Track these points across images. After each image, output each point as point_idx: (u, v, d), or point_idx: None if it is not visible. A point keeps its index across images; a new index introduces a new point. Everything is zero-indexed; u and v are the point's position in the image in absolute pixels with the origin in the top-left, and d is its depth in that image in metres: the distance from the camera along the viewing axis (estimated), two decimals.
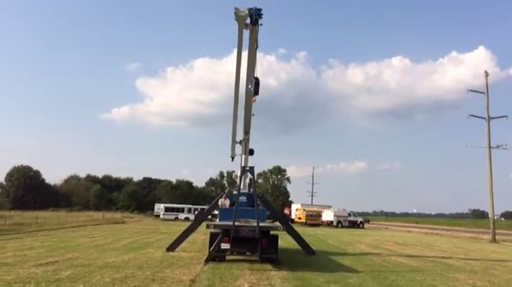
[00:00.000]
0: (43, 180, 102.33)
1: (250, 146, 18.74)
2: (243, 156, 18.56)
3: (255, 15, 13.54)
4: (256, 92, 13.95)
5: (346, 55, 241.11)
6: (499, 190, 56.90)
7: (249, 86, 14.24)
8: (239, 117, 18.21)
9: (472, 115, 36.51)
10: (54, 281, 9.96)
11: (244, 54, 15.40)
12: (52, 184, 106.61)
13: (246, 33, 14.59)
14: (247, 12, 13.57)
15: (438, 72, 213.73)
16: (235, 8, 13.85)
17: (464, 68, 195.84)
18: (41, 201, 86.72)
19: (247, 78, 15.29)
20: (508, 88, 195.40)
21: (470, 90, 37.62)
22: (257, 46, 14.06)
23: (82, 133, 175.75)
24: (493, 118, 35.79)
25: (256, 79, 13.92)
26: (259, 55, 15.23)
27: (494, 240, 33.47)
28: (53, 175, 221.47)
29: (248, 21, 13.73)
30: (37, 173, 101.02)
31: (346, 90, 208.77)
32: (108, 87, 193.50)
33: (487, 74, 36.86)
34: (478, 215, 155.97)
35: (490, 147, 35.31)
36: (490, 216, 36.62)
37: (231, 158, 20.57)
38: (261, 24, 13.83)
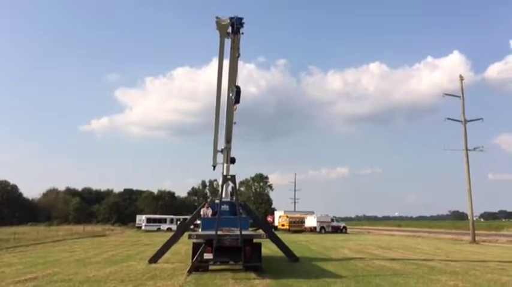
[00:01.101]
0: (21, 194, 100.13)
1: (232, 155, 18.71)
2: (225, 165, 18.50)
3: (237, 24, 13.59)
4: (237, 101, 13.98)
5: (325, 62, 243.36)
6: (478, 191, 58.23)
7: (230, 95, 14.26)
8: (220, 125, 18.21)
9: (448, 118, 37.21)
10: None
11: (225, 63, 15.44)
12: (30, 198, 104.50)
13: (227, 42, 14.64)
14: (228, 21, 13.61)
15: (415, 77, 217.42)
16: (217, 17, 13.87)
17: (440, 73, 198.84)
18: (18, 216, 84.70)
19: (228, 87, 15.29)
20: (483, 91, 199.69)
21: (446, 94, 38.40)
22: (239, 55, 14.12)
23: (61, 145, 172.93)
24: (469, 121, 36.52)
25: (238, 87, 13.95)
26: (239, 63, 15.31)
27: (474, 241, 34.02)
28: (31, 189, 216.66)
29: (229, 30, 13.76)
30: (14, 188, 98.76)
31: (326, 96, 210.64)
32: (86, 98, 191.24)
33: (461, 78, 37.66)
34: (458, 217, 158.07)
35: (467, 149, 35.99)
36: (469, 217, 37.24)
37: (212, 167, 20.47)
38: (242, 33, 13.89)
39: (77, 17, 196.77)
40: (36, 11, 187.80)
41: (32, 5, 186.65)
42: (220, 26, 13.97)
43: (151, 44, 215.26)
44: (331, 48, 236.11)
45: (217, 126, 18.36)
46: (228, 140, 17.92)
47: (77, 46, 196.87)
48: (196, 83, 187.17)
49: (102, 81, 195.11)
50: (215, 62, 15.75)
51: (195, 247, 14.46)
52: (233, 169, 18.64)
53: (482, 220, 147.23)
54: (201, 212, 18.29)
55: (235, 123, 17.26)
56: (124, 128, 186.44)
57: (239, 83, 14.38)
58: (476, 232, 36.12)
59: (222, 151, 18.66)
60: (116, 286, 11.32)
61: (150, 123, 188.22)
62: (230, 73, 14.78)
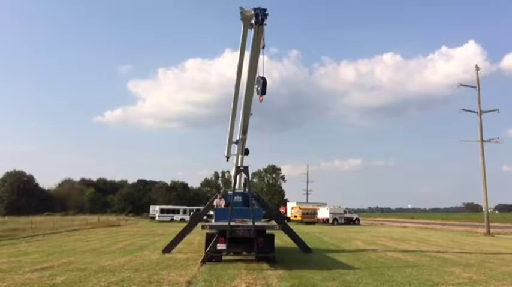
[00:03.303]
0: (37, 185, 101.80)
1: (246, 146, 18.70)
2: (239, 156, 18.50)
3: (262, 15, 13.48)
4: (263, 92, 13.91)
5: (338, 52, 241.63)
6: (492, 183, 57.40)
7: (256, 86, 14.18)
8: (236, 117, 18.19)
9: (463, 109, 36.81)
10: (50, 286, 9.90)
11: (247, 54, 15.28)
12: (46, 188, 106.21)
13: (249, 34, 14.51)
14: (252, 12, 13.52)
15: (429, 68, 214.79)
16: (241, 8, 13.77)
17: (455, 63, 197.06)
18: (35, 206, 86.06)
19: (248, 78, 15.22)
20: (498, 82, 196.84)
21: (462, 85, 37.91)
22: (264, 46, 13.96)
23: (75, 137, 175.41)
24: (484, 112, 36.04)
25: (264, 79, 13.88)
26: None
27: (488, 233, 33.70)
28: (47, 180, 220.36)
29: (253, 21, 13.67)
30: (31, 178, 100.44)
31: (339, 87, 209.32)
32: (100, 90, 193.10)
33: (477, 68, 37.10)
34: (472, 209, 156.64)
35: (482, 141, 35.53)
36: (484, 209, 36.85)
37: (226, 158, 20.49)
38: (265, 24, 13.77)
39: (91, 9, 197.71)
40: (51, 3, 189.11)
41: None
42: (244, 16, 13.87)
43: (163, 36, 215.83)
44: (344, 39, 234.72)
45: (234, 117, 18.35)
46: (245, 131, 17.83)
47: (89, 38, 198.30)
48: (209, 74, 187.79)
49: (115, 73, 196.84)
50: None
51: (208, 238, 14.55)
52: (246, 160, 18.70)
53: (497, 212, 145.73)
54: (214, 203, 18.37)
55: (251, 114, 17.22)
56: (137, 119, 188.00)
57: (264, 74, 14.26)
58: (491, 224, 35.78)
59: (236, 142, 18.64)
60: (130, 275, 11.44)
61: (163, 115, 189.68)
62: (253, 64, 14.67)
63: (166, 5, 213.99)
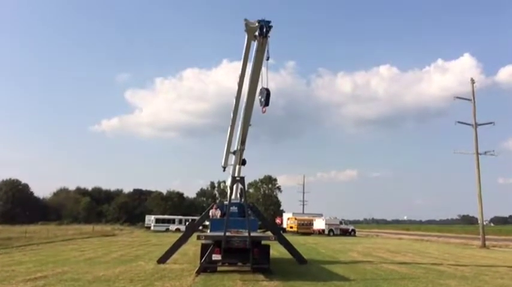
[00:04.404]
0: (32, 193, 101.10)
1: (243, 157, 18.72)
2: (237, 166, 18.51)
3: (266, 27, 13.64)
4: (267, 103, 14.01)
5: (335, 64, 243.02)
6: (488, 196, 57.64)
7: (260, 97, 14.28)
8: (235, 127, 18.25)
9: (459, 122, 36.95)
10: None
11: (249, 66, 15.39)
12: (41, 197, 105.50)
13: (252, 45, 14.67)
14: (257, 24, 13.69)
15: (425, 80, 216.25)
16: (246, 20, 13.98)
17: (450, 76, 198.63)
18: (30, 215, 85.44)
19: (249, 89, 15.32)
20: (494, 95, 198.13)
21: (457, 97, 38.11)
22: (268, 57, 14.09)
23: (71, 145, 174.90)
24: (480, 125, 36.21)
25: (267, 90, 13.98)
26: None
27: (484, 246, 33.69)
28: (42, 188, 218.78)
29: (257, 33, 13.83)
30: (26, 187, 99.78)
31: (336, 99, 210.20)
32: (97, 98, 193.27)
33: (473, 81, 37.36)
34: (468, 221, 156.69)
35: (477, 153, 35.66)
36: (479, 222, 36.87)
37: (222, 168, 20.51)
38: (269, 37, 13.93)
39: (88, 18, 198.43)
40: (49, 11, 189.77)
41: (44, 5, 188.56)
42: (249, 28, 14.06)
43: (161, 45, 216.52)
44: (341, 51, 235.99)
45: (233, 127, 18.41)
46: (243, 142, 17.88)
47: (87, 47, 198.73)
48: (206, 84, 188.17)
49: (112, 82, 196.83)
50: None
51: (204, 248, 14.52)
52: (243, 171, 18.71)
53: (492, 224, 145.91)
54: (210, 213, 18.36)
55: (250, 125, 17.29)
56: (134, 128, 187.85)
57: (267, 85, 14.36)
58: (486, 236, 35.74)
59: (234, 152, 18.67)
60: (125, 285, 11.39)
61: (159, 124, 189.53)
62: (255, 75, 14.79)
63: (164, 15, 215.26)
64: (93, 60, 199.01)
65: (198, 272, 13.74)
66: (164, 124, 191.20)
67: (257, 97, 14.61)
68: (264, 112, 14.22)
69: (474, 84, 37.22)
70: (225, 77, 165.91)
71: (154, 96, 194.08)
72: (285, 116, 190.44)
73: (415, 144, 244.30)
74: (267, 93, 13.91)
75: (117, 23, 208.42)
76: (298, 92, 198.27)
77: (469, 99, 36.97)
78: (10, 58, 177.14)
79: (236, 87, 16.95)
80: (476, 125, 36.00)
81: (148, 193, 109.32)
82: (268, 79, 14.21)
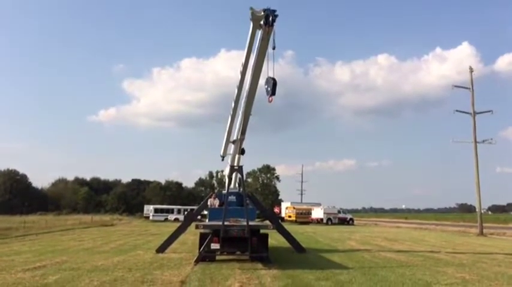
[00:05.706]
0: (30, 184, 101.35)
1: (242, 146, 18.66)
2: (236, 156, 18.45)
3: (272, 16, 13.52)
4: (273, 92, 13.92)
5: (333, 53, 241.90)
6: (486, 184, 57.79)
7: (266, 86, 14.18)
8: (236, 116, 18.17)
9: (457, 110, 36.91)
10: (42, 286, 9.88)
11: (253, 55, 15.29)
12: (39, 187, 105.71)
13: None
14: (263, 13, 13.57)
15: (423, 69, 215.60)
16: (251, 8, 13.89)
17: (449, 65, 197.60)
18: (28, 205, 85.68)
19: (252, 78, 15.23)
20: (492, 83, 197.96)
21: (456, 86, 38.10)
22: (274, 47, 13.95)
23: (69, 136, 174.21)
24: (478, 113, 36.22)
25: (274, 79, 13.89)
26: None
27: (481, 233, 33.90)
28: (41, 179, 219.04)
29: (262, 22, 13.71)
30: (24, 177, 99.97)
31: (334, 88, 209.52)
32: (94, 89, 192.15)
33: (471, 70, 37.28)
34: (465, 209, 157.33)
35: (475, 142, 35.73)
36: (477, 210, 37.06)
37: (221, 158, 20.44)
38: (275, 25, 13.79)
39: (86, 8, 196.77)
40: (44, 1, 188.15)
41: None
42: (254, 17, 13.95)
43: (158, 35, 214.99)
44: (339, 40, 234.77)
45: (234, 117, 18.32)
46: (243, 131, 17.78)
47: (84, 37, 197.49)
48: (204, 74, 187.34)
49: (110, 72, 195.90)
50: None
51: (202, 237, 14.55)
52: (241, 160, 18.64)
53: (490, 212, 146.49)
54: (208, 203, 18.35)
55: (251, 115, 17.20)
56: (132, 118, 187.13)
57: (274, 75, 14.25)
58: (484, 224, 35.97)
59: (234, 142, 18.59)
60: (124, 274, 11.41)
61: (157, 114, 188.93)
62: (259, 64, 14.68)
63: (161, 4, 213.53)
64: (90, 50, 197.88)
65: (197, 261, 13.77)
66: (162, 114, 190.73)
67: (263, 86, 14.50)
68: (270, 101, 14.14)
69: (472, 73, 37.17)
70: (223, 67, 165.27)
71: (151, 86, 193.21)
72: (284, 106, 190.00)
73: (413, 133, 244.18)
74: (273, 83, 13.82)
75: (114, 13, 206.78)
76: (296, 82, 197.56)
77: (467, 88, 36.95)
78: (7, 50, 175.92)
79: (239, 76, 16.85)
80: (475, 113, 36.01)
81: (147, 183, 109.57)
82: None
